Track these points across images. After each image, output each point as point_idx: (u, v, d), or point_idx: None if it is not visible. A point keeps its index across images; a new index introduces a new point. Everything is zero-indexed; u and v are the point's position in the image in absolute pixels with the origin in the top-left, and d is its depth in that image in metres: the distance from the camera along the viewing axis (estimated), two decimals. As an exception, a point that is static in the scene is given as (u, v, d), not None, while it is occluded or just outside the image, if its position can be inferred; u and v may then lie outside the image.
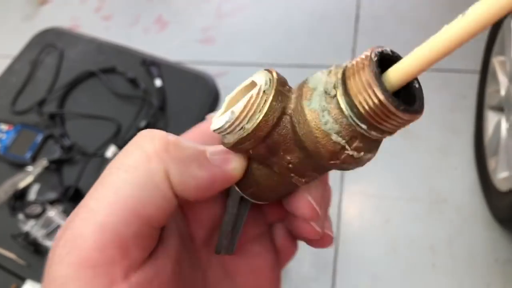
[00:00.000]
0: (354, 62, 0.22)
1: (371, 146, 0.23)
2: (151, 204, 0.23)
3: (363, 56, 0.22)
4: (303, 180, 0.26)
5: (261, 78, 0.24)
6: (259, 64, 1.92)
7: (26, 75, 1.29)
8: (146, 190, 0.23)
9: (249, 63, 1.94)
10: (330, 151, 0.23)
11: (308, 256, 1.48)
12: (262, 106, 0.24)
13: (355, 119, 0.22)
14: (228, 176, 0.26)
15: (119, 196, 0.23)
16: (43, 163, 1.11)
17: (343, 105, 0.22)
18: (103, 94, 1.21)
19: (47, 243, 0.99)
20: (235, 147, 0.25)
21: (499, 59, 1.48)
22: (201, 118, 1.15)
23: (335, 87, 0.22)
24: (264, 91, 0.24)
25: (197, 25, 2.14)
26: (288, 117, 0.24)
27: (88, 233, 0.22)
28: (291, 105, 0.24)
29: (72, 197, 1.06)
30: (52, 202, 1.05)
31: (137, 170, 0.23)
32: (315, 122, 0.22)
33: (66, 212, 1.05)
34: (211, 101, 1.18)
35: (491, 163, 1.43)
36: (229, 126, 0.24)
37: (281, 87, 0.24)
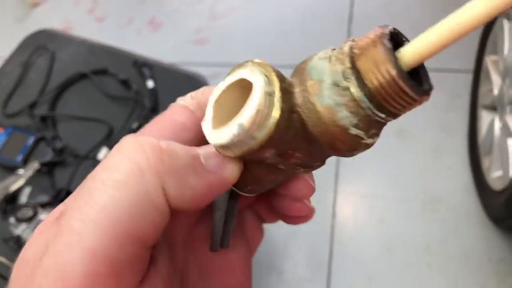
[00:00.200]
0: (358, 43, 0.21)
1: (381, 129, 0.23)
2: (146, 223, 0.21)
3: (372, 36, 0.21)
4: (308, 170, 0.26)
5: (255, 76, 0.22)
6: (253, 64, 1.91)
7: (17, 77, 1.28)
8: (141, 209, 0.21)
9: (243, 63, 1.93)
10: (349, 144, 0.22)
11: (303, 256, 1.47)
12: (271, 111, 0.21)
13: (373, 109, 0.21)
14: (225, 182, 0.24)
15: (109, 218, 0.20)
16: (34, 166, 1.10)
17: (360, 97, 0.21)
18: (94, 95, 1.20)
19: (39, 246, 0.99)
20: (240, 157, 0.23)
21: (492, 59, 1.49)
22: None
23: (345, 78, 0.21)
24: (269, 93, 0.21)
25: (190, 26, 2.13)
26: (296, 115, 0.22)
27: (76, 261, 0.19)
28: (298, 102, 0.22)
29: (63, 200, 1.05)
30: (44, 205, 1.04)
31: (129, 186, 0.21)
32: (330, 118, 0.21)
33: (58, 215, 1.04)
34: (204, 102, 1.17)
35: (485, 162, 1.43)
36: (238, 140, 0.22)
37: (283, 84, 0.22)
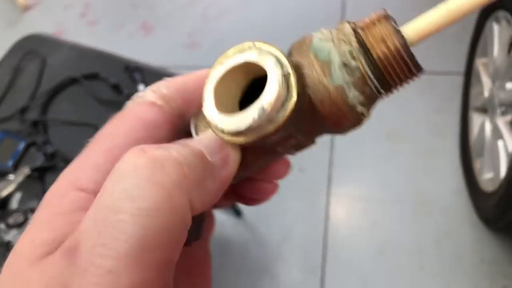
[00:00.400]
0: (359, 24, 0.23)
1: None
2: (177, 245, 0.20)
3: (374, 16, 0.23)
4: (299, 151, 0.26)
5: (267, 59, 0.22)
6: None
7: (7, 82, 1.27)
8: (173, 232, 0.20)
9: (235, 67, 1.93)
10: (353, 122, 0.23)
11: (296, 260, 1.47)
12: (290, 93, 0.21)
13: (378, 86, 0.23)
14: (232, 174, 0.23)
15: (145, 250, 0.19)
16: (25, 171, 1.10)
17: (369, 74, 0.22)
18: (86, 100, 1.20)
19: (30, 252, 0.98)
20: (246, 144, 0.22)
21: (482, 61, 1.50)
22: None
23: (353, 58, 0.22)
24: (285, 76, 0.21)
25: (183, 30, 2.13)
26: (306, 96, 0.22)
27: None
28: (307, 82, 0.22)
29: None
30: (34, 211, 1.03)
31: (160, 212, 0.19)
32: (341, 98, 0.22)
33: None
34: (196, 106, 1.17)
35: (477, 164, 1.44)
36: (258, 125, 0.21)
37: (294, 65, 0.22)
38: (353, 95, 0.22)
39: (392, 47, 0.22)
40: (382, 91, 0.23)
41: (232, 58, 0.23)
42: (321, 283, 1.42)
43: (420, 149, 1.61)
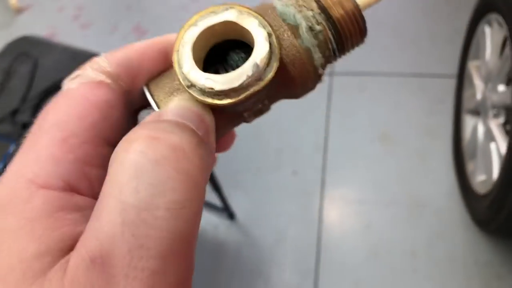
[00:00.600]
0: None
1: None
2: (199, 225, 0.21)
3: None
4: (257, 117, 0.26)
5: (250, 19, 0.22)
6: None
7: (-1, 84, 1.26)
8: (200, 215, 0.21)
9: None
10: (314, 83, 0.25)
11: (290, 262, 1.47)
12: (273, 52, 0.22)
13: (336, 49, 0.25)
14: (214, 146, 0.23)
15: (186, 243, 0.19)
16: (16, 174, 1.09)
17: (331, 38, 0.24)
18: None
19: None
20: (233, 106, 0.22)
21: (474, 64, 1.51)
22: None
23: (318, 23, 0.24)
24: (269, 35, 0.22)
25: (175, 32, 2.13)
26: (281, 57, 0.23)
27: None
28: (283, 44, 0.23)
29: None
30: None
31: (193, 201, 0.19)
32: (309, 59, 0.24)
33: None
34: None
35: (469, 166, 1.45)
36: (248, 82, 0.22)
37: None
38: (318, 57, 0.24)
39: (348, 8, 0.24)
40: (337, 54, 0.25)
41: (208, 19, 0.23)
42: (315, 286, 1.42)
43: (413, 151, 1.62)
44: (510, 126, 1.21)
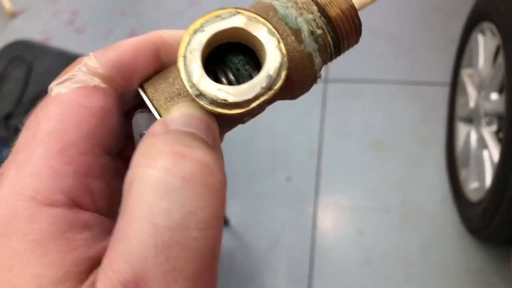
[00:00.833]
0: None
1: None
2: None
3: None
4: (250, 120, 0.26)
5: (260, 27, 0.22)
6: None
7: (-8, 88, 1.26)
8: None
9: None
10: (311, 85, 0.25)
11: (283, 269, 1.47)
12: (284, 60, 0.22)
13: (333, 55, 0.25)
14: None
15: (216, 260, 0.19)
16: (9, 178, 1.08)
17: (331, 43, 0.24)
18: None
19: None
20: (242, 115, 0.22)
21: (467, 72, 1.52)
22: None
23: (318, 27, 0.24)
24: (278, 43, 0.22)
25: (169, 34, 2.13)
26: None
27: None
28: (287, 49, 0.23)
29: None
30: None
31: (221, 217, 0.19)
32: (310, 64, 0.23)
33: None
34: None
35: (462, 174, 1.45)
36: (262, 93, 0.21)
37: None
38: (318, 62, 0.24)
39: (345, 8, 0.24)
40: (334, 56, 0.25)
41: (214, 24, 0.22)
42: (308, 293, 1.42)
43: (406, 158, 1.62)
44: (502, 134, 1.21)
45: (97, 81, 0.22)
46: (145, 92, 0.24)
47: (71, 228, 0.19)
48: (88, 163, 0.21)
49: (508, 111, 1.15)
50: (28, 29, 2.29)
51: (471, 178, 1.39)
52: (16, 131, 1.16)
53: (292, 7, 0.24)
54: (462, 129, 1.53)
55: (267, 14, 0.23)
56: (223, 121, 0.23)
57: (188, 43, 0.22)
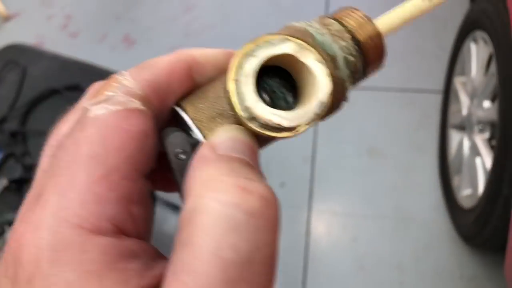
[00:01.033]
0: (347, 21, 0.25)
1: None
2: None
3: (358, 15, 0.26)
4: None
5: (305, 52, 0.23)
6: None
7: (-14, 92, 1.25)
8: None
9: (218, 81, 1.94)
10: (341, 109, 0.26)
11: (277, 275, 1.46)
12: (329, 82, 0.23)
13: (361, 79, 0.26)
14: None
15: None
16: (3, 182, 1.07)
17: (360, 69, 0.25)
18: (66, 111, 1.18)
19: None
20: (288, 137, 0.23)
21: (460, 80, 1.53)
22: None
23: (351, 54, 0.25)
24: (328, 69, 0.23)
25: (165, 44, 2.13)
26: None
27: None
28: None
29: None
30: (12, 224, 1.01)
31: (278, 251, 0.20)
32: (343, 89, 0.25)
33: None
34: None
35: (455, 181, 1.46)
36: (313, 119, 0.23)
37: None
38: (348, 86, 0.25)
39: (373, 35, 0.25)
40: (360, 81, 0.26)
41: (266, 49, 0.23)
42: (302, 299, 1.42)
43: (400, 165, 1.63)
44: (495, 141, 1.23)
45: (136, 103, 0.22)
46: (185, 112, 0.24)
47: (121, 258, 0.19)
48: (130, 188, 0.21)
49: (501, 119, 1.16)
50: (21, 33, 2.28)
51: (464, 185, 1.40)
52: (11, 135, 1.15)
53: (327, 33, 0.24)
54: (454, 136, 1.54)
55: (307, 39, 0.24)
56: (260, 141, 0.24)
57: (240, 67, 0.22)
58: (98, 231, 0.19)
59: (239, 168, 0.20)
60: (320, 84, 0.23)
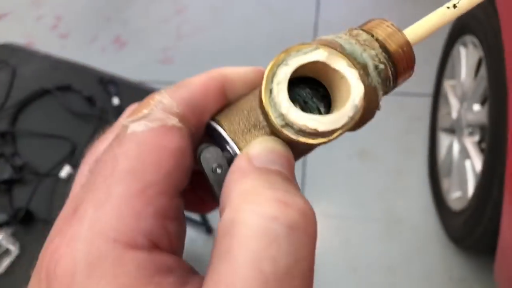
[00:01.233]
0: (377, 32, 0.25)
1: None
2: None
3: (386, 25, 0.26)
4: None
5: (336, 59, 0.23)
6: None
7: (-25, 92, 1.23)
8: None
9: (209, 84, 1.94)
10: (373, 117, 0.26)
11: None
12: (361, 84, 0.23)
13: (391, 87, 0.26)
14: None
15: None
16: (-9, 183, 1.06)
17: (391, 77, 0.25)
18: (57, 112, 1.17)
19: (-6, 268, 0.94)
20: (323, 144, 0.23)
21: (450, 83, 1.54)
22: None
23: (381, 61, 0.25)
24: (359, 73, 0.23)
25: (156, 45, 2.12)
26: None
27: None
28: None
29: (22, 220, 1.01)
30: (1, 225, 1.00)
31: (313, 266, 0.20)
32: (375, 97, 0.25)
33: (16, 235, 1.00)
34: (170, 120, 1.16)
35: (445, 184, 1.47)
36: (347, 123, 0.23)
37: None
38: (380, 95, 0.25)
39: (403, 44, 0.25)
40: (391, 89, 0.26)
41: (297, 58, 0.23)
42: (293, 301, 1.42)
43: (390, 168, 1.64)
44: (485, 144, 1.24)
45: (174, 121, 0.23)
46: (220, 125, 0.25)
47: (157, 272, 0.19)
48: (166, 204, 0.21)
49: (491, 123, 1.17)
50: (10, 33, 2.26)
51: (453, 187, 1.41)
52: (0, 135, 1.14)
53: (356, 43, 0.25)
54: (444, 139, 1.55)
55: (336, 49, 0.24)
56: (295, 151, 0.24)
57: (274, 76, 0.23)
58: (134, 245, 0.19)
59: (277, 181, 0.21)
60: (352, 87, 0.23)
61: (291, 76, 0.23)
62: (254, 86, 0.26)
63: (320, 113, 0.24)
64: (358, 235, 1.52)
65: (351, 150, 1.68)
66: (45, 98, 1.20)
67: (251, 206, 0.19)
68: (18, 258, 0.98)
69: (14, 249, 0.97)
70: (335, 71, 0.23)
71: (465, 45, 1.43)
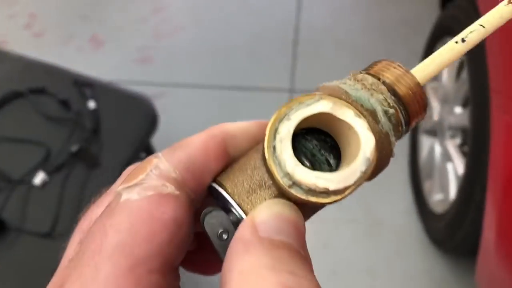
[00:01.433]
0: (384, 74, 0.24)
1: None
2: None
3: (393, 67, 0.24)
4: None
5: (342, 109, 0.22)
6: (198, 85, 1.89)
7: None
8: None
9: (188, 84, 1.91)
10: (387, 164, 0.25)
11: None
12: (372, 136, 0.22)
13: (404, 132, 0.24)
14: None
15: None
16: (-39, 191, 1.02)
17: (402, 121, 0.24)
18: (31, 116, 1.13)
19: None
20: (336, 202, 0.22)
21: (431, 85, 1.54)
22: (137, 141, 1.10)
23: (390, 105, 0.23)
24: (369, 123, 0.22)
25: (134, 44, 2.08)
26: None
27: None
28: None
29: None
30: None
31: None
32: (388, 143, 0.23)
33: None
34: (148, 123, 1.13)
35: (426, 186, 1.47)
36: (360, 177, 0.21)
37: None
38: (393, 140, 0.24)
39: (413, 85, 0.24)
40: (404, 133, 0.25)
41: (300, 111, 0.21)
42: (274, 306, 1.40)
43: (371, 170, 1.64)
44: (467, 147, 1.24)
45: (170, 188, 0.21)
46: (223, 187, 0.23)
47: None
48: (158, 282, 0.20)
49: (473, 125, 1.17)
50: (-19, 32, 2.19)
51: (435, 190, 1.41)
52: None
53: (362, 88, 0.23)
54: (425, 141, 1.55)
55: (340, 97, 0.23)
56: (305, 210, 0.22)
57: (276, 132, 0.21)
58: None
59: (283, 258, 0.19)
60: (362, 139, 0.21)
61: (295, 128, 0.21)
62: (258, 140, 0.24)
63: (329, 165, 0.23)
64: (339, 237, 1.51)
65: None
66: (17, 101, 1.16)
67: None
68: (-11, 269, 0.94)
69: (-16, 260, 0.94)
70: (342, 121, 0.22)
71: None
